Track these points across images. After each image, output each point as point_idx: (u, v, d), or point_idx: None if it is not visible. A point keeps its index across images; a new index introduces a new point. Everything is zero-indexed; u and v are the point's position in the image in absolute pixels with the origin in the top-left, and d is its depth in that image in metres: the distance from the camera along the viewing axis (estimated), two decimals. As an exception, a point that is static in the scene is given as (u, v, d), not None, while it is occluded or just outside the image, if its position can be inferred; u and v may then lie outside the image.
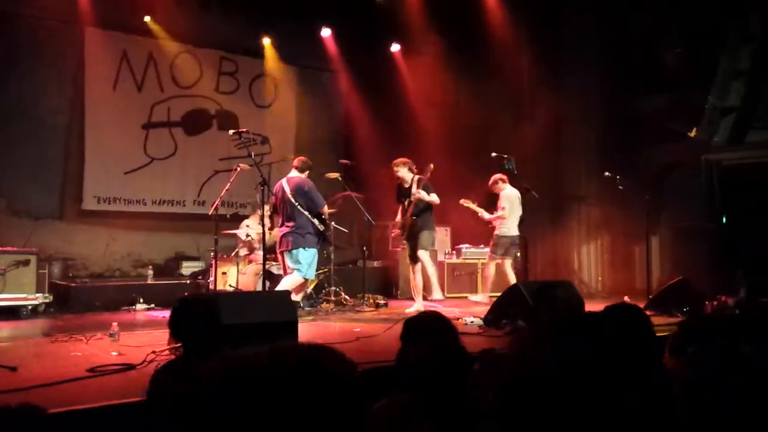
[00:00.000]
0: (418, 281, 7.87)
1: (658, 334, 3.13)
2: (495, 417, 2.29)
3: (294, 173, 7.47)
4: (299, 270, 7.04)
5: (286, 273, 7.22)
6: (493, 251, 8.70)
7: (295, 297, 6.84)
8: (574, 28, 10.51)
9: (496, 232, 8.63)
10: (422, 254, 7.77)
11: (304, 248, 7.10)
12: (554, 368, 2.01)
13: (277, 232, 7.33)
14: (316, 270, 7.67)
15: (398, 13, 10.33)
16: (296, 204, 7.18)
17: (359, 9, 10.32)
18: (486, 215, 8.74)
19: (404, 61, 11.28)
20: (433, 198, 7.78)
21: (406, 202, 7.82)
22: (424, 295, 8.02)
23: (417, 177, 7.71)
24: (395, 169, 7.88)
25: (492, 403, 2.41)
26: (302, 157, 7.68)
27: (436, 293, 7.98)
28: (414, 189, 7.67)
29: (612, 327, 2.24)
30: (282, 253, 7.26)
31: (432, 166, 7.61)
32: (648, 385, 2.39)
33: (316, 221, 7.25)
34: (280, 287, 6.89)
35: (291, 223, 7.15)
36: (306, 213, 7.19)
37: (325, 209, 7.36)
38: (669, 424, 2.26)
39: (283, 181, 7.39)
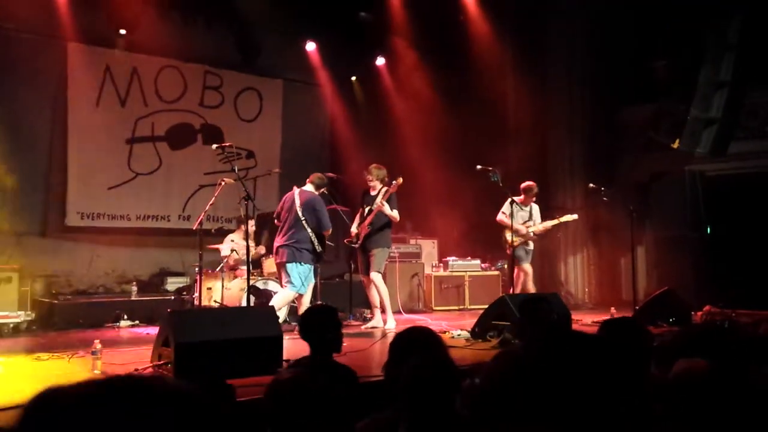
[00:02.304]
0: (382, 295, 7.48)
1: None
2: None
3: (309, 187, 7.32)
4: (292, 284, 6.91)
5: (282, 284, 7.16)
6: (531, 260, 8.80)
7: (280, 313, 6.77)
8: (558, 41, 10.60)
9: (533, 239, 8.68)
10: (375, 276, 7.45)
11: (299, 263, 6.94)
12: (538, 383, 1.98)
13: (276, 241, 7.16)
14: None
15: (383, 26, 10.37)
16: (302, 219, 7.02)
17: (344, 23, 10.36)
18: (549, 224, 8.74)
19: (389, 75, 11.31)
20: (395, 214, 7.50)
21: (366, 210, 7.57)
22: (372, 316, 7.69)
23: (384, 188, 7.46)
24: (371, 174, 7.58)
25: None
26: (320, 174, 7.54)
27: (390, 321, 7.44)
28: (379, 199, 7.41)
29: (607, 349, 2.22)
30: (277, 264, 7.18)
31: (400, 179, 7.37)
32: (637, 395, 2.39)
33: (316, 241, 7.06)
34: (273, 302, 6.81)
35: (290, 236, 7.00)
36: (309, 230, 7.03)
37: (329, 232, 7.26)
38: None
39: (296, 191, 7.23)
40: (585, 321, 7.44)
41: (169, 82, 10.20)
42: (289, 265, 6.94)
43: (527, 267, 8.64)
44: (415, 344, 2.87)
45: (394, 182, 7.36)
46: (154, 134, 10.12)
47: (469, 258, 10.40)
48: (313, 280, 7.35)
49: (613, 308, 8.21)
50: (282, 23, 10.24)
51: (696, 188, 10.14)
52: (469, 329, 6.55)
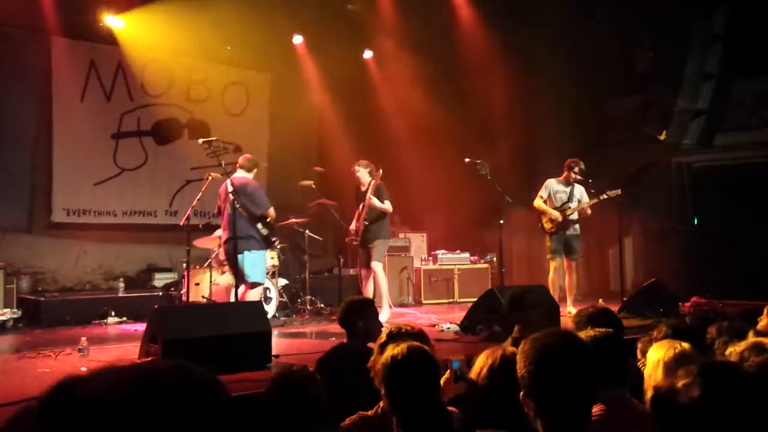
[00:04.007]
0: (381, 285, 7.51)
1: (631, 336, 3.14)
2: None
3: (239, 173, 6.87)
4: (248, 276, 6.58)
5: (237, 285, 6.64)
6: None
7: (269, 309, 6.73)
8: (545, 33, 10.59)
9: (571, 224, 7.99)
10: (376, 266, 7.46)
11: (248, 251, 6.59)
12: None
13: (222, 238, 6.75)
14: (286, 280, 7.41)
15: (370, 19, 10.31)
16: (237, 206, 6.53)
17: (331, 16, 10.29)
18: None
19: (377, 68, 11.27)
20: (386, 205, 7.47)
21: (360, 206, 7.59)
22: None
23: (372, 181, 7.46)
24: (355, 169, 7.61)
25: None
26: (248, 155, 7.19)
27: (385, 311, 7.40)
28: (369, 194, 7.41)
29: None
30: (228, 261, 6.83)
31: (380, 171, 7.39)
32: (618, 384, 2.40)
33: (259, 225, 6.72)
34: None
35: (231, 228, 6.50)
36: (245, 216, 6.63)
37: (271, 212, 6.83)
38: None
39: (227, 181, 6.61)
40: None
41: (155, 76, 10.11)
42: (239, 257, 6.56)
43: (574, 258, 7.98)
44: (401, 341, 2.87)
45: (377, 174, 7.41)
46: (140, 129, 10.04)
47: (458, 251, 10.40)
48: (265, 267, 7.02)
49: (601, 299, 8.23)
50: (268, 16, 10.15)
51: (682, 179, 10.19)
52: (459, 322, 6.55)
